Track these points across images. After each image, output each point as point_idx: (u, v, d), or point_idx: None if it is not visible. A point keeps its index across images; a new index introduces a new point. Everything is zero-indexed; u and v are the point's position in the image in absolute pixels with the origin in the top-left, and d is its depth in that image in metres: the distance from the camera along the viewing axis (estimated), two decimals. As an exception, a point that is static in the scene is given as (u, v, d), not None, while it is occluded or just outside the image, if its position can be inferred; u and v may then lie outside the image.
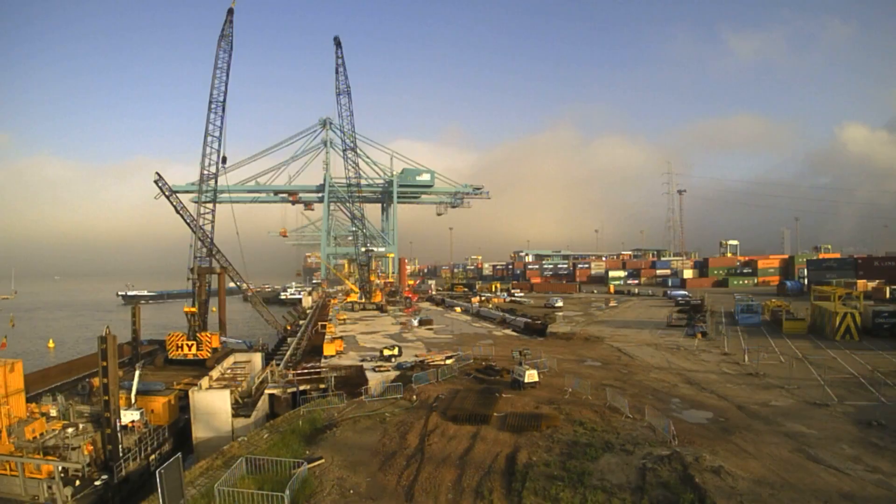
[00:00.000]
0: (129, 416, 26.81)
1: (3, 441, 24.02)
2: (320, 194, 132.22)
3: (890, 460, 18.35)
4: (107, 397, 23.85)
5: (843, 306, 45.11)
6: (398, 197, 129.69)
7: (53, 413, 27.98)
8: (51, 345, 70.21)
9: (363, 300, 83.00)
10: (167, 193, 48.71)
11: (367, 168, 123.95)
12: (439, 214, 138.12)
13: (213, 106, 49.31)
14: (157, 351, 48.11)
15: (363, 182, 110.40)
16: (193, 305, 46.38)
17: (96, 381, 31.19)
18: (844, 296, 48.77)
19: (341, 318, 66.39)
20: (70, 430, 26.09)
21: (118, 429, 24.41)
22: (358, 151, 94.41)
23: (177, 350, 43.49)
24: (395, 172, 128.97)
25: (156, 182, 49.18)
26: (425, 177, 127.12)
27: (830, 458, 18.55)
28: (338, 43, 78.28)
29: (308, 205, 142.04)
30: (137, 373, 30.42)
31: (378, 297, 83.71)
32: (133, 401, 28.89)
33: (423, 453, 20.26)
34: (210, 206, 48.94)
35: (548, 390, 28.19)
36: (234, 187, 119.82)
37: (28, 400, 29.65)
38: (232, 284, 61.92)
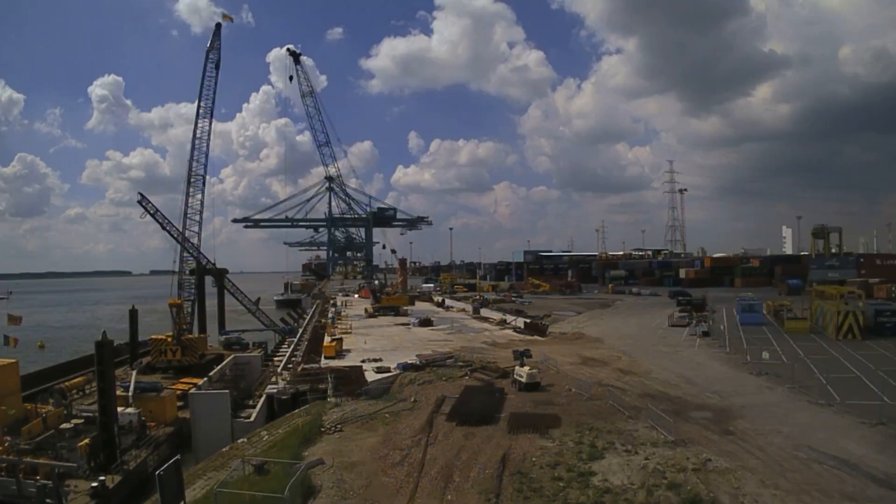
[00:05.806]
0: (127, 416, 26.70)
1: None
2: (324, 222, 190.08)
3: (893, 461, 18.20)
4: (104, 401, 23.78)
5: (844, 305, 44.92)
6: (375, 224, 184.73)
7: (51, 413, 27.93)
8: (40, 344, 60.55)
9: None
10: (152, 212, 50.58)
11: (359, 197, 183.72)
12: (402, 234, 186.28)
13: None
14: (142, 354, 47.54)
15: (352, 215, 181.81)
16: (179, 298, 47.21)
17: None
18: (847, 294, 48.55)
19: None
20: (66, 429, 26.03)
21: (116, 433, 24.29)
22: (349, 191, 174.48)
23: (160, 356, 42.44)
24: (371, 209, 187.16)
25: (139, 202, 50.58)
26: (390, 212, 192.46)
27: (833, 458, 18.40)
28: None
29: None
30: (134, 373, 30.43)
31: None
32: (131, 400, 28.85)
33: (425, 454, 20.16)
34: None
35: (549, 391, 28.08)
36: (266, 222, 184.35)
37: (24, 400, 29.70)
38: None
